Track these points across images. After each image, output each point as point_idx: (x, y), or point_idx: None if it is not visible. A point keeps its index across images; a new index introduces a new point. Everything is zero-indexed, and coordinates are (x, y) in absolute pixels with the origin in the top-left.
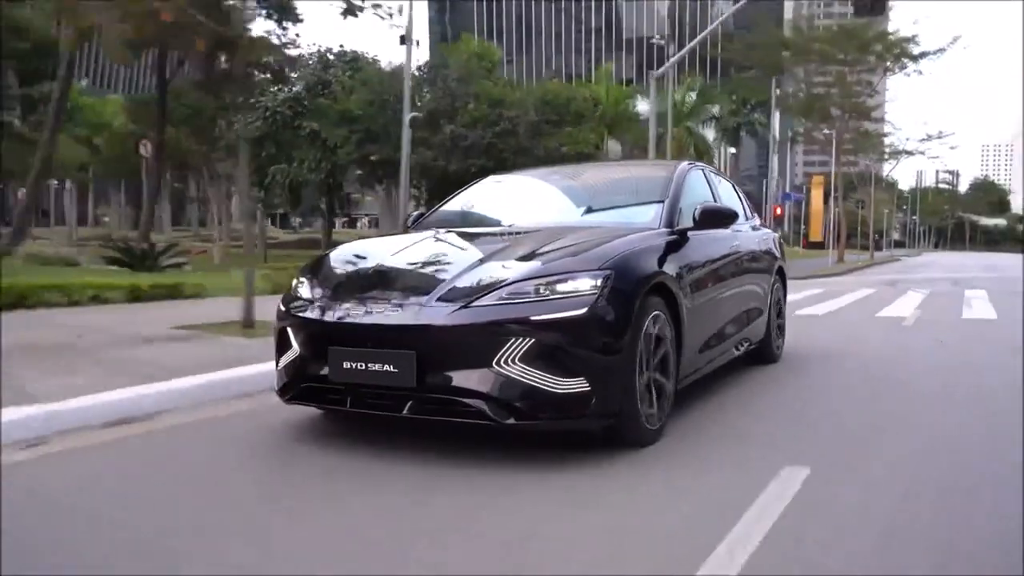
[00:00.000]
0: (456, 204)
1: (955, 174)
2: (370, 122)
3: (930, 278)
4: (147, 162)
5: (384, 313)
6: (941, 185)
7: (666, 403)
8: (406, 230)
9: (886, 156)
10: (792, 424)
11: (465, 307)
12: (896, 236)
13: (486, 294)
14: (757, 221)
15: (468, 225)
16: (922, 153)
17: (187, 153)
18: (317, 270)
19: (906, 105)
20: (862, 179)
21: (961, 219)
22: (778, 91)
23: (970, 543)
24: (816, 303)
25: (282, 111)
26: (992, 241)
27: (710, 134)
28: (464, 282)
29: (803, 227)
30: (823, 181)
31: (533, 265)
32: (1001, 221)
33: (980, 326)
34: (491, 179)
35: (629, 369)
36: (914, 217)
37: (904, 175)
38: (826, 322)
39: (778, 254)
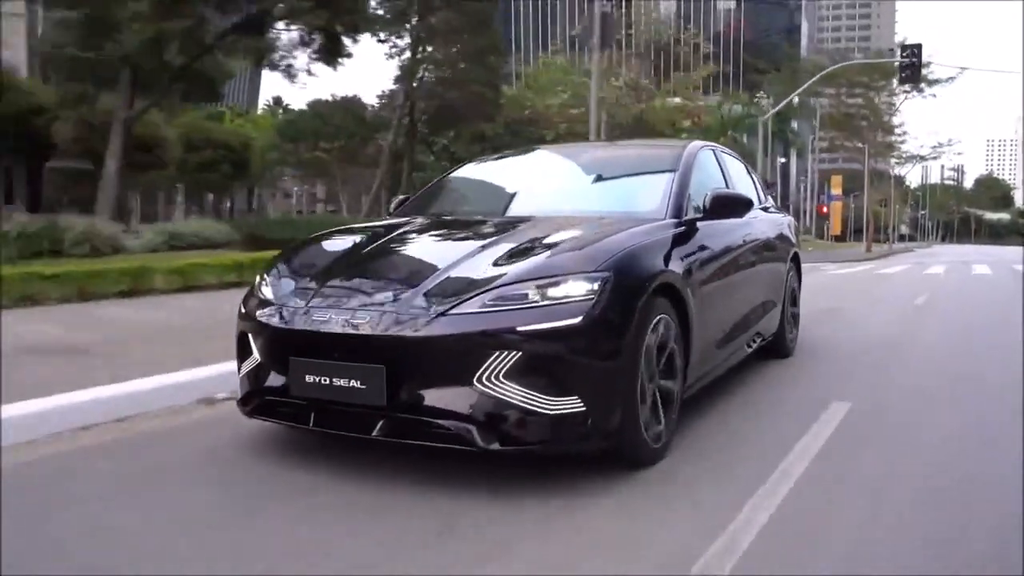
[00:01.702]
0: (445, 187)
1: (960, 170)
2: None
3: (946, 260)
4: None
5: (350, 321)
6: (947, 182)
7: (672, 416)
8: (389, 216)
9: (902, 160)
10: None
11: (443, 315)
12: (905, 230)
13: (467, 300)
14: (771, 204)
15: (456, 211)
16: (935, 159)
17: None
18: (281, 266)
19: (916, 107)
20: (880, 178)
21: (967, 214)
22: (818, 106)
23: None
24: (882, 268)
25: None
26: (996, 235)
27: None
28: (442, 285)
29: (827, 222)
30: (841, 180)
31: (521, 266)
32: (1005, 216)
33: (982, 277)
34: (486, 159)
35: (630, 383)
36: (923, 212)
37: (912, 172)
38: (896, 277)
39: (793, 240)
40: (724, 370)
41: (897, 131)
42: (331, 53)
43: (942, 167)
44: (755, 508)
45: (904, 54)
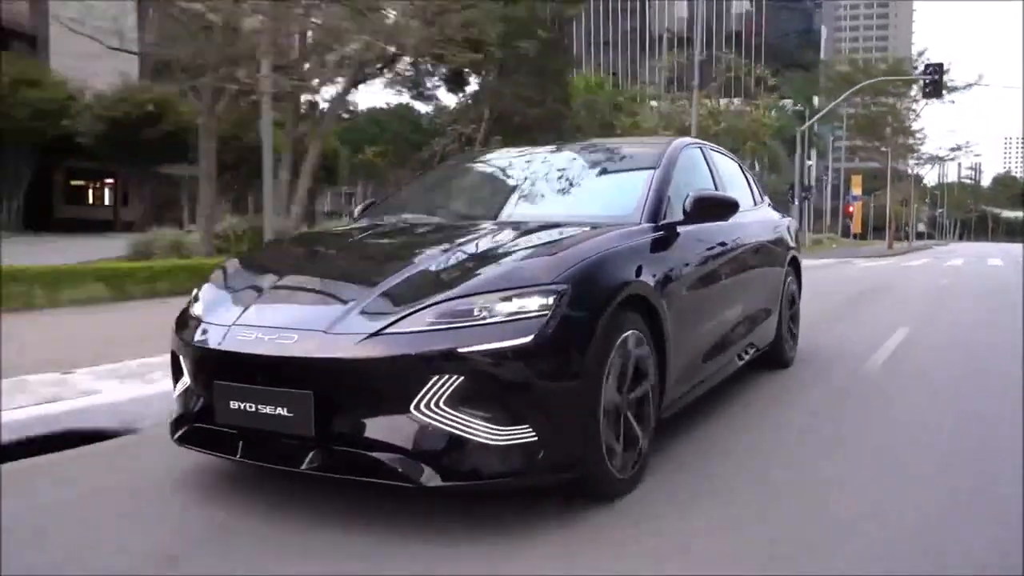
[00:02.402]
0: (414, 191)
1: (977, 169)
2: None
3: (963, 255)
4: None
5: (276, 341)
6: (964, 180)
7: (644, 443)
8: (353, 221)
9: (921, 162)
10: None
11: (376, 335)
12: (923, 228)
13: (405, 317)
14: (767, 205)
15: (420, 217)
16: (953, 159)
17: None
18: (216, 279)
19: (935, 109)
20: (899, 178)
21: (984, 212)
22: (845, 113)
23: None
24: (906, 262)
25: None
26: (1013, 232)
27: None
28: (380, 300)
29: (847, 220)
30: (861, 180)
31: (469, 279)
32: (1020, 214)
33: (995, 267)
34: (461, 159)
35: (590, 408)
36: (940, 210)
37: (929, 171)
38: (921, 267)
39: (792, 243)
40: (711, 386)
41: (918, 135)
42: (457, 84)
43: (959, 165)
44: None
45: (927, 71)
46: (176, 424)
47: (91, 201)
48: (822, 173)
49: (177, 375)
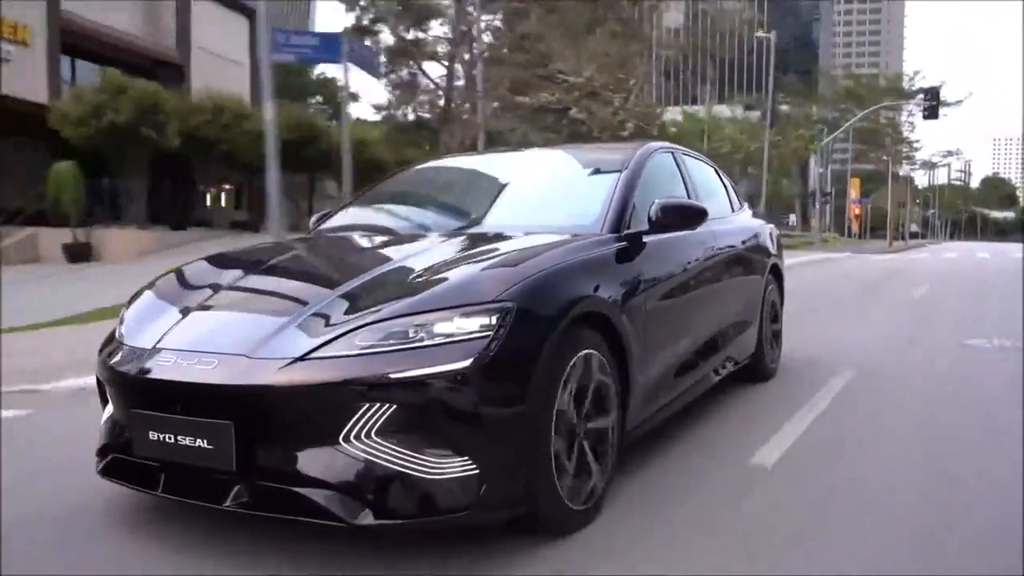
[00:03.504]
0: (371, 198)
1: (967, 171)
2: None
3: (956, 251)
4: None
5: (195, 366)
6: (955, 182)
7: (604, 470)
8: (309, 233)
9: (916, 167)
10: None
11: (301, 359)
12: (915, 228)
13: (333, 340)
14: (747, 211)
15: (373, 227)
16: (946, 165)
17: None
18: (144, 297)
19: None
20: (893, 180)
21: (974, 213)
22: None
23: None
24: (910, 255)
25: None
26: (1001, 232)
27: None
28: (307, 322)
29: (846, 220)
30: (859, 183)
31: (405, 297)
32: (1010, 214)
33: (983, 259)
34: (426, 163)
35: (539, 436)
36: (932, 211)
37: (920, 173)
38: (924, 258)
39: (772, 250)
40: (684, 404)
41: (915, 144)
42: None
43: (948, 166)
44: None
45: (926, 96)
46: (100, 454)
47: (208, 203)
48: (823, 178)
49: (104, 402)
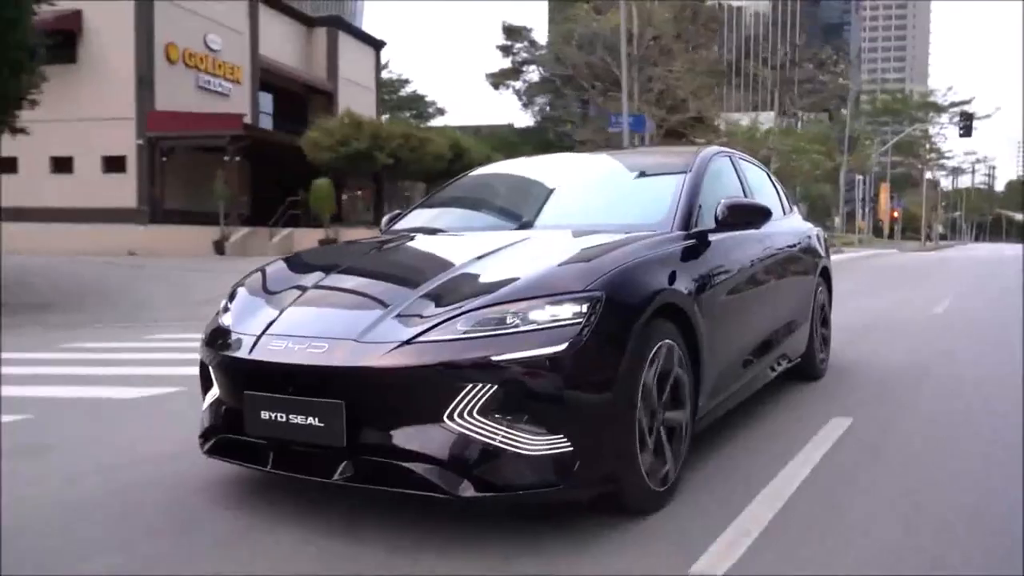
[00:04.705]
0: (441, 200)
1: (991, 174)
2: None
3: (984, 250)
4: None
5: (307, 350)
6: (979, 187)
7: (679, 455)
8: (381, 232)
9: (947, 173)
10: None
11: (407, 343)
12: (941, 230)
13: (437, 325)
14: (797, 214)
15: (448, 226)
16: (975, 172)
17: None
18: (246, 288)
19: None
20: (914, 183)
21: (999, 215)
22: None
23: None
24: (944, 254)
25: None
26: None
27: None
28: (413, 308)
29: (877, 222)
30: (888, 188)
31: (503, 286)
32: None
33: (1009, 257)
34: (487, 169)
35: (626, 419)
36: (958, 213)
37: (942, 175)
38: (958, 256)
39: (822, 252)
40: (743, 398)
41: (947, 153)
42: None
43: (973, 164)
44: None
45: (961, 118)
46: (205, 436)
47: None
48: (864, 185)
49: (206, 386)
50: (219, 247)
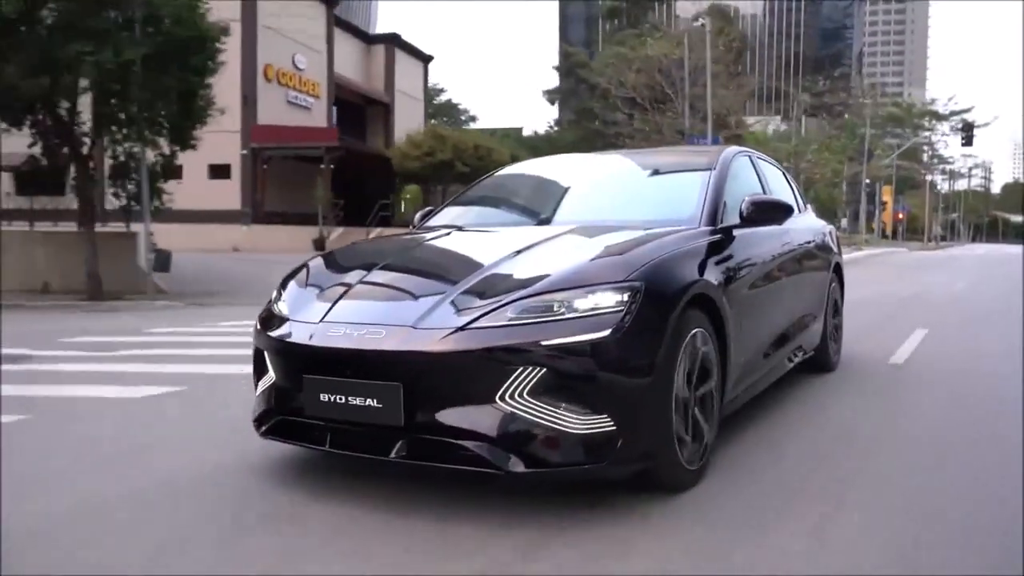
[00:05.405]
0: (471, 198)
1: (988, 176)
2: None
3: (983, 250)
4: None
5: (365, 336)
6: (976, 189)
7: (710, 436)
8: (415, 228)
9: (947, 177)
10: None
11: (461, 329)
12: (939, 231)
13: (489, 312)
14: (811, 212)
15: (482, 223)
16: (972, 176)
17: None
18: (297, 279)
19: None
20: (912, 185)
21: (995, 217)
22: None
23: None
24: (948, 252)
25: None
26: (1021, 235)
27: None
28: (462, 298)
29: (881, 223)
30: (891, 190)
31: (547, 276)
32: None
33: (1007, 256)
34: (514, 168)
35: (664, 401)
36: (955, 215)
37: (939, 178)
38: (961, 253)
39: (835, 248)
40: (763, 387)
41: (948, 159)
42: None
43: (969, 170)
44: None
45: (962, 129)
46: (261, 418)
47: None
48: (870, 187)
49: (260, 371)
50: (319, 244)
